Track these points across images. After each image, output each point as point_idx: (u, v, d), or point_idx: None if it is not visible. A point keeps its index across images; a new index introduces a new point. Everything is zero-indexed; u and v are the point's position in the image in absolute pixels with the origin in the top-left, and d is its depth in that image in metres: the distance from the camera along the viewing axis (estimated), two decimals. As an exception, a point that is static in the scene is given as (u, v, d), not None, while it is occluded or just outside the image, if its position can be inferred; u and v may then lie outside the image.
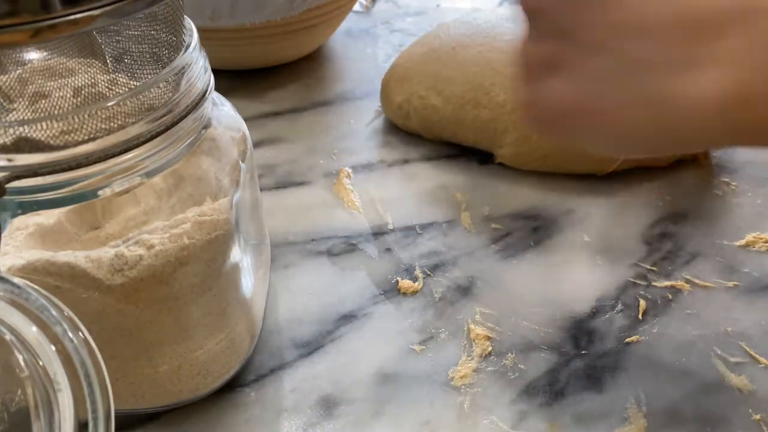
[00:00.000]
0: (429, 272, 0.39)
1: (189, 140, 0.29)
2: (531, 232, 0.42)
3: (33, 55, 0.28)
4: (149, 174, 0.28)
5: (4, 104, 0.26)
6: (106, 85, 0.27)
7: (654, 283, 0.38)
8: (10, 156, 0.25)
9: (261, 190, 0.39)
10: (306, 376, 0.34)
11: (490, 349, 0.35)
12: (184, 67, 0.28)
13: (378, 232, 0.42)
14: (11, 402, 0.22)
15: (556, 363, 0.34)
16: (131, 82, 0.28)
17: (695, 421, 0.31)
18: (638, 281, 0.38)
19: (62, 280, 0.27)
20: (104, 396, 0.22)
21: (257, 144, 0.49)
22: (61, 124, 0.25)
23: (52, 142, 0.25)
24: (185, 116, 0.28)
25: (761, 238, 0.40)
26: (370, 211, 0.44)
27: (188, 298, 0.29)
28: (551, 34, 0.26)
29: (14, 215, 0.27)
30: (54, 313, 0.22)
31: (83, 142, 0.25)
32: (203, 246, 0.28)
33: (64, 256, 0.27)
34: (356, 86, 0.56)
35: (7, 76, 0.27)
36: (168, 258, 0.27)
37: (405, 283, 0.38)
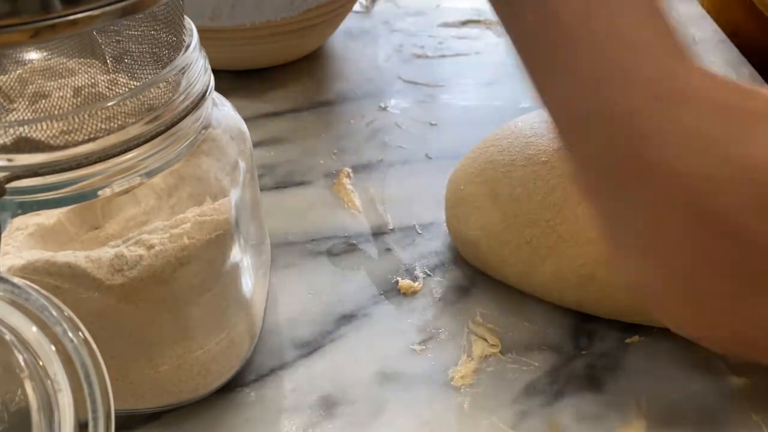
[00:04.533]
0: (429, 272, 0.39)
1: (189, 140, 0.29)
2: (531, 232, 0.42)
3: (33, 55, 0.28)
4: (149, 174, 0.28)
5: (4, 104, 0.26)
6: (106, 85, 0.27)
7: None
8: (10, 156, 0.25)
9: (261, 190, 0.39)
10: (306, 376, 0.34)
11: (490, 349, 0.35)
12: (184, 67, 0.28)
13: (378, 232, 0.42)
14: (11, 402, 0.22)
15: (556, 363, 0.34)
16: (131, 82, 0.28)
17: (695, 421, 0.31)
18: (638, 281, 0.38)
19: (62, 280, 0.27)
20: (104, 396, 0.22)
21: (257, 144, 0.49)
22: (61, 124, 0.25)
23: (52, 142, 0.25)
24: (185, 116, 0.28)
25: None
26: (370, 211, 0.44)
27: (188, 298, 0.29)
28: None
29: (14, 215, 0.27)
30: (54, 313, 0.22)
31: (83, 142, 0.25)
32: (203, 246, 0.28)
33: (64, 256, 0.27)
34: (356, 86, 0.56)
35: (7, 76, 0.27)
36: (168, 258, 0.27)
37: (405, 283, 0.38)
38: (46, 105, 0.26)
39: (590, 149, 0.25)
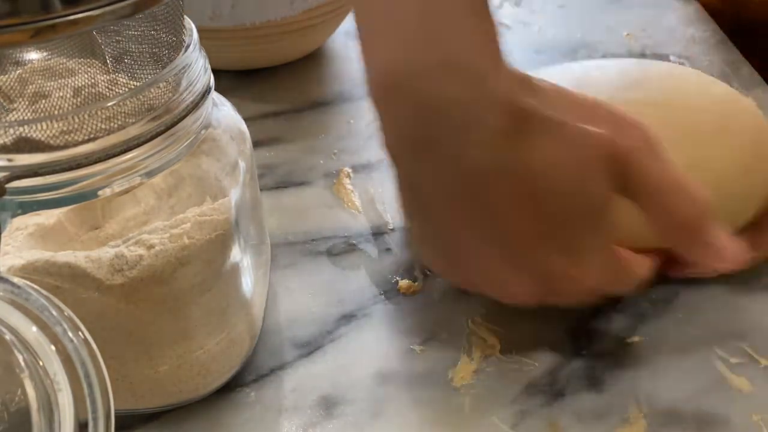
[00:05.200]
0: (429, 272, 0.39)
1: (189, 140, 0.29)
2: (531, 232, 0.42)
3: (33, 55, 0.28)
4: (149, 174, 0.28)
5: (4, 104, 0.26)
6: (106, 85, 0.27)
7: (654, 283, 0.38)
8: (10, 156, 0.25)
9: (261, 190, 0.39)
10: (306, 376, 0.34)
11: (490, 349, 0.35)
12: (184, 67, 0.28)
13: (378, 232, 0.42)
14: (11, 402, 0.22)
15: (556, 363, 0.34)
16: (131, 82, 0.28)
17: (695, 421, 0.31)
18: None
19: (62, 280, 0.27)
20: (104, 396, 0.22)
21: (257, 144, 0.49)
22: (61, 124, 0.25)
23: (52, 142, 0.25)
24: (185, 116, 0.28)
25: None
26: (370, 211, 0.44)
27: (188, 298, 0.29)
28: None
29: (14, 215, 0.27)
30: (54, 313, 0.22)
31: (83, 142, 0.25)
32: (203, 246, 0.28)
33: (64, 256, 0.27)
34: (356, 86, 0.56)
35: (7, 76, 0.27)
36: (168, 258, 0.27)
37: (405, 283, 0.38)
38: (46, 105, 0.26)
39: (400, 113, 0.29)
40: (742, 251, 0.31)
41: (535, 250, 0.30)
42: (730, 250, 0.30)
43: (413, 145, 0.30)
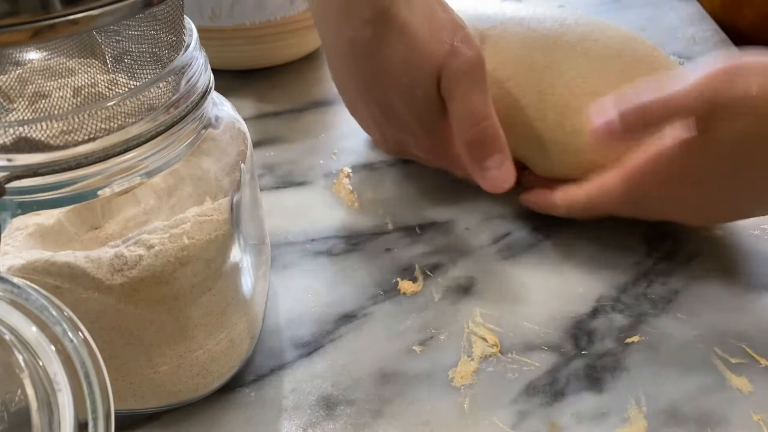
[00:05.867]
0: (429, 272, 0.39)
1: (189, 140, 0.29)
2: (531, 232, 0.42)
3: (33, 55, 0.28)
4: (149, 174, 0.28)
5: (4, 104, 0.26)
6: (106, 85, 0.27)
7: (654, 283, 0.38)
8: (10, 156, 0.25)
9: (261, 190, 0.39)
10: (306, 376, 0.34)
11: (490, 349, 0.35)
12: (184, 67, 0.28)
13: (378, 232, 0.42)
14: (11, 402, 0.22)
15: (556, 363, 0.34)
16: (131, 82, 0.28)
17: (695, 421, 0.31)
18: (638, 281, 0.38)
19: (62, 280, 0.27)
20: (104, 396, 0.22)
21: (257, 144, 0.49)
22: (61, 124, 0.25)
23: (52, 142, 0.25)
24: (185, 116, 0.28)
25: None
26: (370, 211, 0.44)
27: (188, 298, 0.29)
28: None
29: (14, 215, 0.27)
30: (54, 313, 0.22)
31: (83, 142, 0.25)
32: (203, 246, 0.28)
33: (64, 256, 0.27)
34: (356, 86, 0.56)
35: (7, 76, 0.27)
36: (168, 258, 0.27)
37: (405, 283, 0.38)
38: (46, 105, 0.26)
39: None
40: (508, 179, 0.37)
41: (386, 118, 0.40)
42: (496, 178, 0.37)
43: (321, 17, 0.40)
